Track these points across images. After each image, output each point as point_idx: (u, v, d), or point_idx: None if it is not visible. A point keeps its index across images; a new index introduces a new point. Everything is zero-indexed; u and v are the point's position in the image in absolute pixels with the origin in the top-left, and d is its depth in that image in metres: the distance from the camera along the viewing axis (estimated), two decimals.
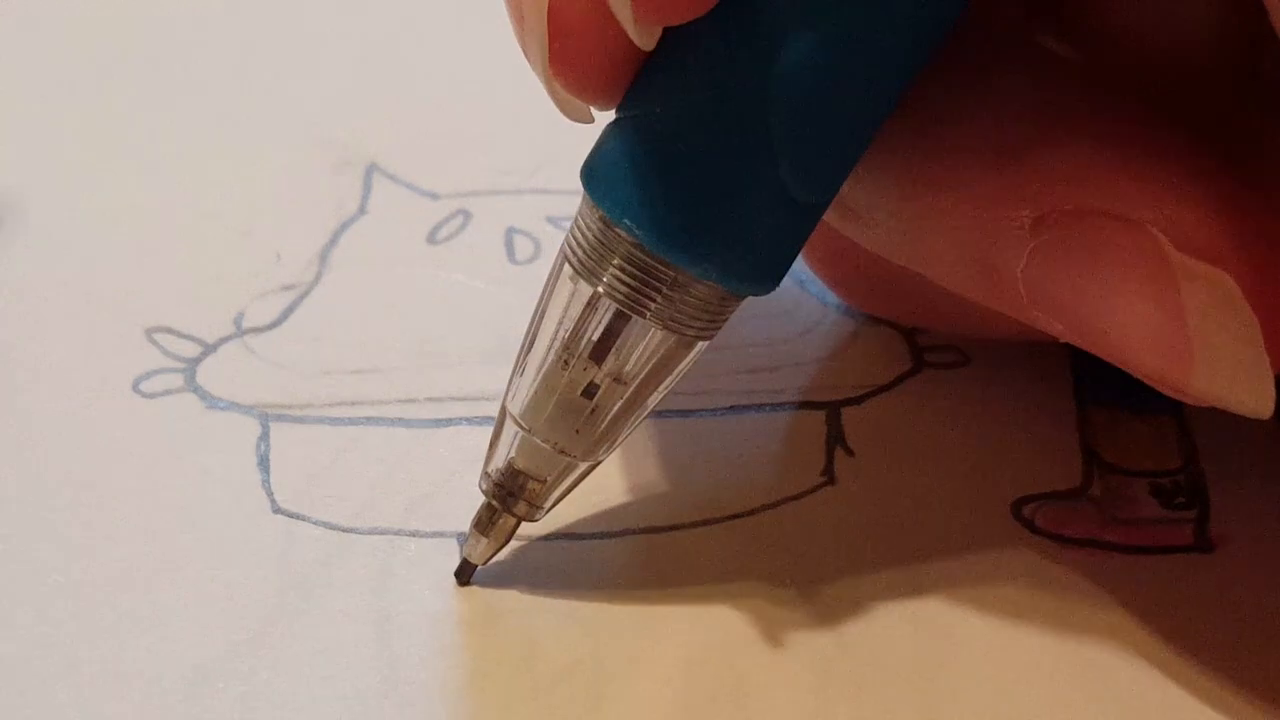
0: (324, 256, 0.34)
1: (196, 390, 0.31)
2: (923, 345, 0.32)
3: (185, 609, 0.27)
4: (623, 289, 0.25)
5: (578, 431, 0.26)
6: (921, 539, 0.28)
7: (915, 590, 0.27)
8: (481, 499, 0.27)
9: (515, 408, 0.26)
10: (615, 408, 0.26)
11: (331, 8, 0.40)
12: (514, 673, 0.26)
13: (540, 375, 0.26)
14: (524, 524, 0.27)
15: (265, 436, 0.30)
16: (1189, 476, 0.30)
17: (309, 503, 0.29)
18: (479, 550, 0.27)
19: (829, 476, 0.29)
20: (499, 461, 0.27)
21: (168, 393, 0.31)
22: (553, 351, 0.26)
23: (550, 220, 0.35)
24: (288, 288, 0.33)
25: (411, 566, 0.28)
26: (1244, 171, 0.25)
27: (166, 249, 0.34)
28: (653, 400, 0.26)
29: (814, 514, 0.29)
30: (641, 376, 0.26)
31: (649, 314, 0.25)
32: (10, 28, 0.39)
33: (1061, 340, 0.25)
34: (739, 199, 0.24)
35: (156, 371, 0.31)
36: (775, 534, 0.28)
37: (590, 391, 0.26)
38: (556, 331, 0.25)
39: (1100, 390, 0.31)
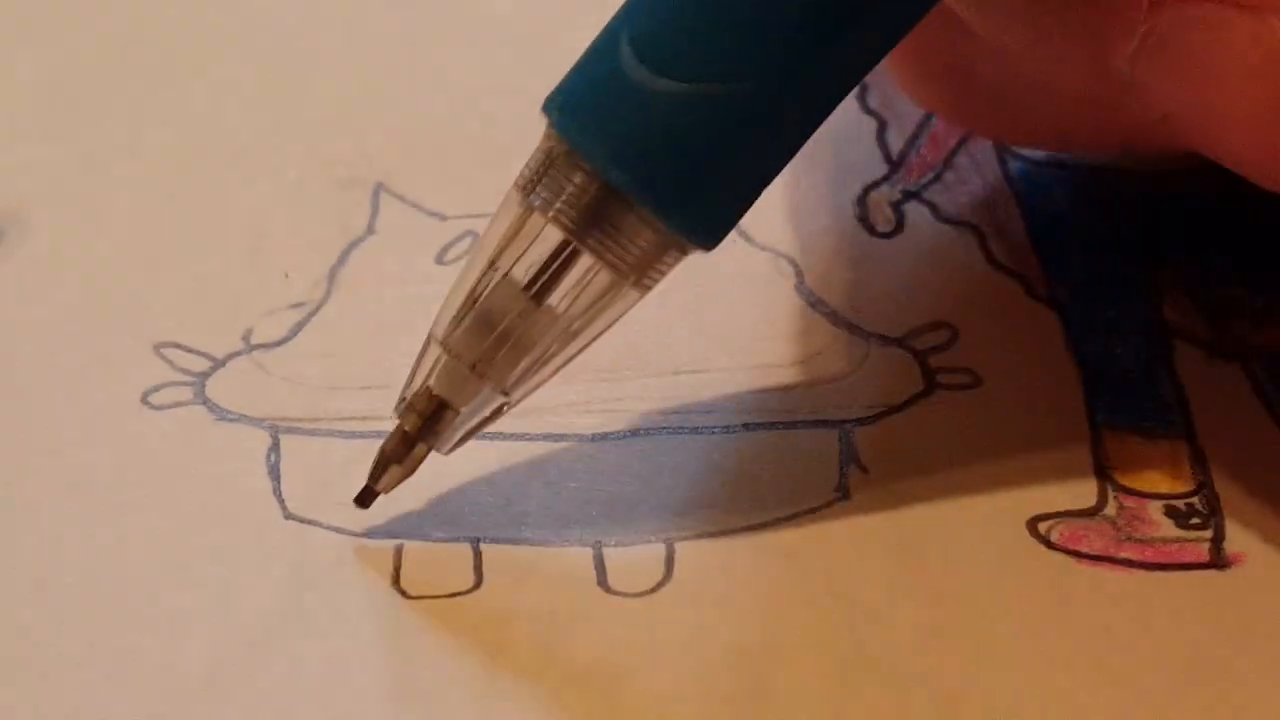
0: (332, 275, 0.34)
1: (206, 403, 0.31)
2: (935, 367, 0.32)
3: (195, 614, 0.27)
4: (563, 215, 0.25)
5: (495, 355, 0.26)
6: (938, 552, 0.28)
7: (933, 602, 0.27)
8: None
9: (438, 329, 0.27)
10: (535, 337, 0.26)
11: (340, 25, 0.40)
12: (529, 676, 0.26)
13: (465, 288, 0.26)
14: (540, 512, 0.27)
15: (275, 447, 0.30)
16: (1203, 499, 0.29)
17: (320, 509, 0.28)
18: (386, 479, 0.27)
19: (843, 492, 0.29)
20: (416, 386, 0.27)
21: (177, 405, 0.31)
22: (479, 266, 0.26)
23: None
24: (296, 305, 0.33)
25: (424, 570, 0.27)
26: None
27: (173, 265, 0.34)
28: (573, 347, 0.26)
29: (829, 527, 0.28)
30: (568, 309, 0.26)
31: (581, 243, 0.25)
32: (16, 38, 0.39)
33: (1153, 144, 0.25)
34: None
35: (165, 385, 0.31)
36: (790, 546, 0.28)
37: (509, 310, 0.26)
38: (488, 248, 0.26)
39: (1113, 414, 0.31)
